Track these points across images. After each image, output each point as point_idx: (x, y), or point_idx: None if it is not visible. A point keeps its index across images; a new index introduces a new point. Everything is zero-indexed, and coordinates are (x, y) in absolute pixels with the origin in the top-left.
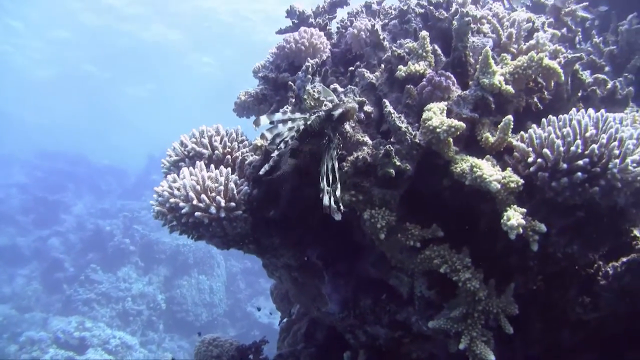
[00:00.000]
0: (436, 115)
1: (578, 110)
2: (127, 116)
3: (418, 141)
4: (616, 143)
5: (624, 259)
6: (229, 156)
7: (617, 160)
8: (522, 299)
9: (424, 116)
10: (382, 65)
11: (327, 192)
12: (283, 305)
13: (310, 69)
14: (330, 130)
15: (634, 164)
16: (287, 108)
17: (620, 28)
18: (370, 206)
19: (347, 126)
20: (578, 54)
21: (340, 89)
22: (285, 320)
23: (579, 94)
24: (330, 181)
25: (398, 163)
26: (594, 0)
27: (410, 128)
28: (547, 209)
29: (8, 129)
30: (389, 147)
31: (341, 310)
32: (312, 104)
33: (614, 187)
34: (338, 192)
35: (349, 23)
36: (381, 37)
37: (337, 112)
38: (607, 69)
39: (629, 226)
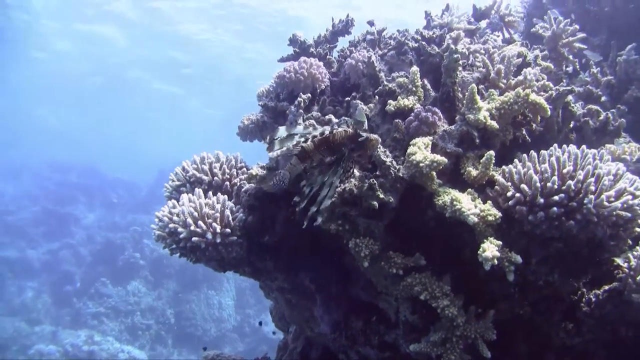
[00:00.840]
0: (420, 150)
1: (561, 146)
2: (139, 129)
3: (401, 175)
4: (592, 179)
5: (606, 287)
6: (227, 182)
7: (593, 196)
8: (508, 323)
9: (408, 150)
10: (376, 97)
11: (317, 202)
12: (281, 324)
13: (302, 104)
14: (347, 149)
15: (610, 200)
16: None
17: (618, 58)
18: (355, 235)
19: None
20: (569, 87)
21: (334, 120)
22: (282, 339)
23: (571, 125)
24: (325, 195)
25: (382, 196)
26: (594, 29)
27: (394, 162)
28: (527, 240)
29: (28, 129)
30: (373, 180)
31: (333, 331)
32: None
33: (591, 221)
34: (324, 205)
35: (348, 52)
36: (377, 68)
37: (363, 136)
38: (603, 98)
39: (608, 257)
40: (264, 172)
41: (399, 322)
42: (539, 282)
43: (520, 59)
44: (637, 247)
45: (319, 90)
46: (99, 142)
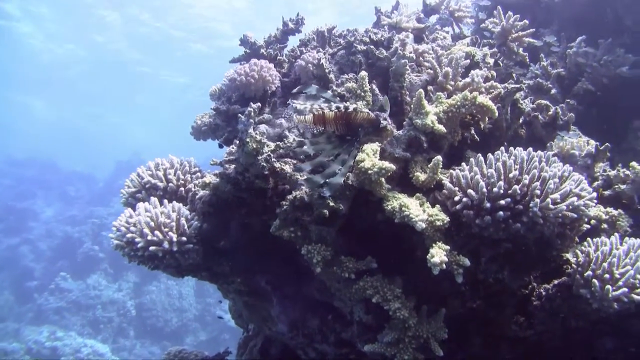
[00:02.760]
0: (369, 156)
1: (511, 143)
2: (95, 122)
3: (351, 182)
4: (538, 183)
5: (556, 282)
6: (182, 188)
7: (538, 200)
8: (462, 317)
9: (357, 157)
10: None
11: (324, 175)
12: (240, 321)
13: (252, 113)
14: (363, 132)
15: (555, 202)
16: (233, 149)
17: (568, 51)
18: (307, 242)
19: (287, 167)
20: (518, 85)
21: (285, 124)
22: (243, 336)
23: (521, 120)
24: (335, 172)
25: (332, 204)
26: (546, 20)
27: (343, 170)
28: (476, 241)
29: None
30: (323, 189)
31: (290, 330)
32: (255, 146)
33: (537, 222)
34: (335, 181)
35: (299, 53)
36: (327, 70)
37: (383, 123)
38: (553, 91)
39: (556, 254)
40: (217, 179)
41: (354, 321)
42: (489, 280)
43: (468, 61)
44: (585, 243)
45: (269, 92)
46: (53, 135)
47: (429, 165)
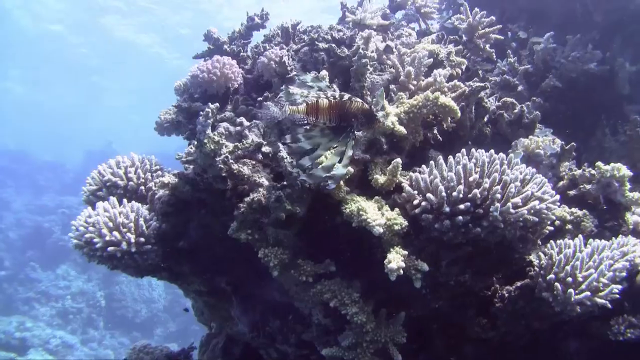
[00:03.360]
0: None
1: (476, 141)
2: (64, 110)
3: (308, 185)
4: (499, 187)
5: (519, 284)
6: (142, 187)
7: (499, 205)
8: (425, 318)
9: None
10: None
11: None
12: (203, 318)
13: (210, 114)
14: (357, 122)
15: (516, 206)
16: (191, 148)
17: (535, 47)
18: (265, 244)
19: (246, 168)
20: (482, 84)
21: (246, 123)
22: (205, 333)
23: (486, 119)
24: (335, 164)
25: (289, 207)
26: (515, 15)
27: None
28: (436, 245)
29: None
30: (279, 193)
31: (251, 331)
32: (212, 147)
33: (498, 227)
34: (338, 172)
35: (262, 49)
36: (289, 68)
37: (376, 115)
38: (520, 88)
39: (518, 257)
40: (176, 180)
41: (312, 325)
42: (450, 282)
43: (431, 60)
44: (548, 245)
45: (232, 89)
46: (24, 124)
47: (388, 168)
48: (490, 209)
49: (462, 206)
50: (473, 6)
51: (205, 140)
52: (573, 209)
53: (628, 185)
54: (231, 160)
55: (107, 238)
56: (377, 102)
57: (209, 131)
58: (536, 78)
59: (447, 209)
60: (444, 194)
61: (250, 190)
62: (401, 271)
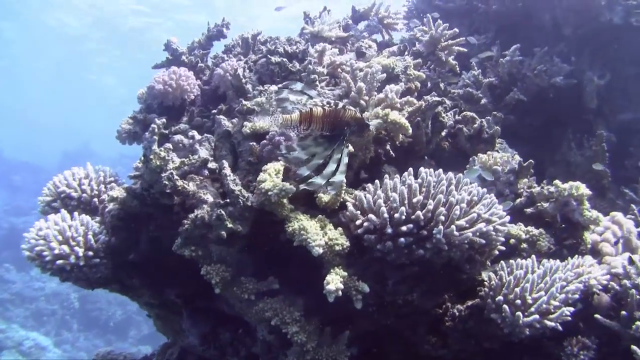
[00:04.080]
0: (270, 177)
1: (417, 170)
2: (44, 110)
3: (250, 204)
4: (443, 209)
5: (469, 303)
6: (96, 199)
7: (442, 227)
8: (378, 334)
9: (259, 177)
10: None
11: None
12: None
13: (156, 129)
14: (348, 130)
15: (461, 228)
16: (139, 164)
17: (501, 60)
18: (208, 261)
19: (192, 184)
20: (438, 99)
21: (197, 137)
22: (161, 344)
23: (444, 133)
24: (334, 171)
25: (230, 225)
26: (483, 26)
27: (243, 191)
28: (380, 265)
29: None
30: (220, 211)
31: (202, 343)
32: (158, 163)
33: (442, 249)
34: (337, 180)
35: (220, 60)
36: (243, 81)
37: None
38: (484, 101)
39: (465, 277)
40: (125, 194)
41: (258, 340)
42: (398, 301)
43: (384, 75)
44: (498, 266)
45: (188, 101)
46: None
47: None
48: (434, 232)
49: (404, 228)
50: (444, 16)
51: (151, 156)
52: (529, 228)
53: (587, 204)
54: (176, 177)
55: (56, 251)
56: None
57: (154, 147)
58: (501, 91)
59: (390, 231)
60: (386, 215)
61: (195, 207)
62: (340, 293)
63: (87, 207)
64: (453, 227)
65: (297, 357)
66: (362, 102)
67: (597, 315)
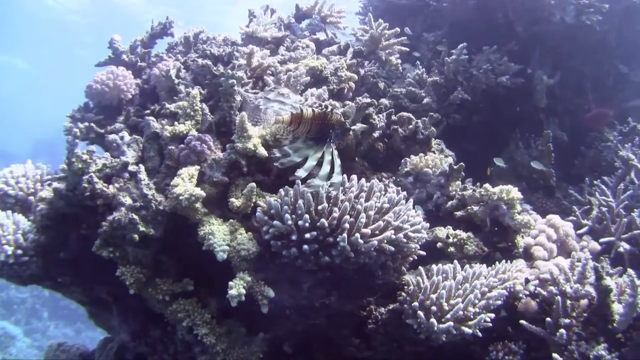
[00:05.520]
0: (183, 181)
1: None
2: (14, 97)
3: (162, 208)
4: (348, 217)
5: (391, 307)
6: (31, 197)
7: (345, 235)
8: (306, 334)
9: (172, 182)
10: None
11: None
12: None
13: (78, 133)
14: (333, 133)
15: (366, 237)
16: (64, 166)
17: (446, 58)
18: (125, 262)
19: (112, 187)
20: (368, 101)
21: (126, 138)
22: (102, 338)
23: (376, 135)
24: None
25: (142, 228)
26: (436, 23)
27: (155, 195)
28: (292, 269)
29: None
30: (133, 215)
31: (132, 340)
32: (80, 166)
33: (349, 256)
34: (337, 180)
35: (158, 59)
36: (176, 81)
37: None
38: (427, 100)
39: (380, 282)
40: (52, 194)
41: (176, 340)
42: (316, 304)
43: (308, 78)
44: (417, 271)
45: (125, 100)
46: None
47: (243, 192)
48: (338, 239)
49: (308, 235)
50: (395, 13)
51: (73, 159)
52: (457, 231)
53: (518, 208)
54: (96, 180)
55: None
56: (349, 117)
57: (77, 150)
58: (446, 90)
59: (294, 237)
60: (290, 222)
61: (114, 209)
62: (243, 297)
63: (24, 205)
64: (358, 235)
65: (210, 357)
66: None
67: (522, 321)
